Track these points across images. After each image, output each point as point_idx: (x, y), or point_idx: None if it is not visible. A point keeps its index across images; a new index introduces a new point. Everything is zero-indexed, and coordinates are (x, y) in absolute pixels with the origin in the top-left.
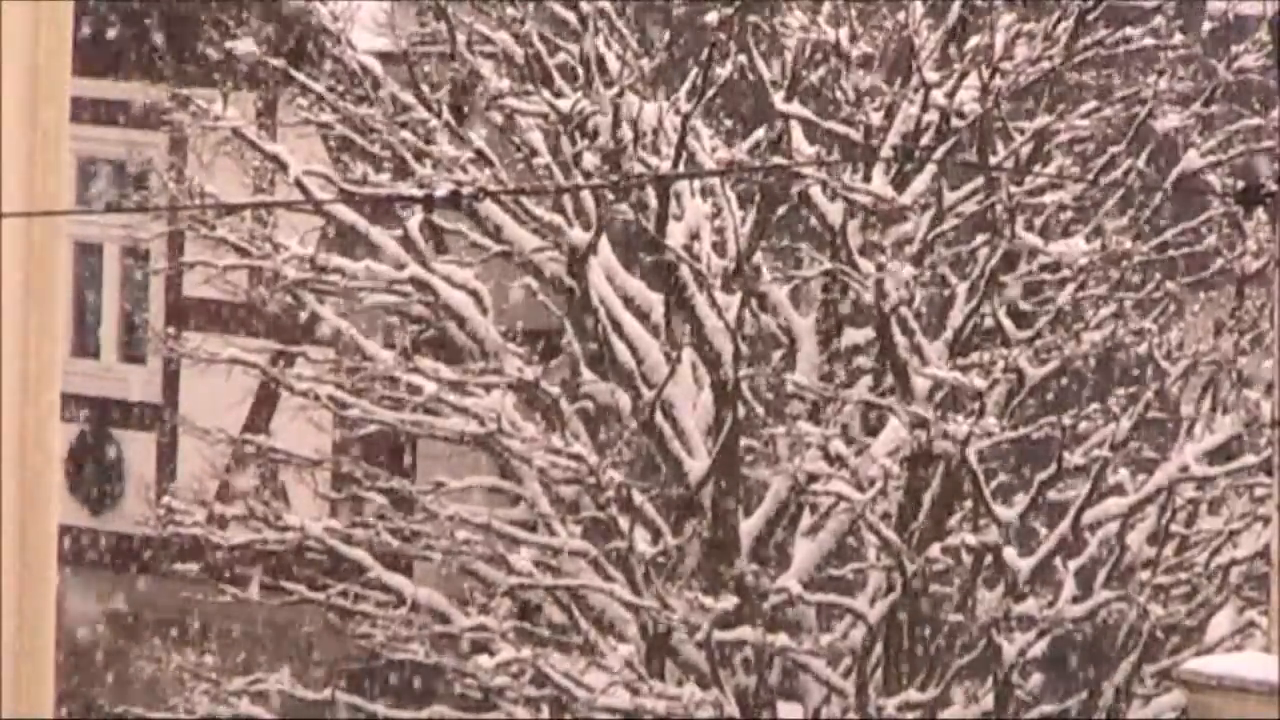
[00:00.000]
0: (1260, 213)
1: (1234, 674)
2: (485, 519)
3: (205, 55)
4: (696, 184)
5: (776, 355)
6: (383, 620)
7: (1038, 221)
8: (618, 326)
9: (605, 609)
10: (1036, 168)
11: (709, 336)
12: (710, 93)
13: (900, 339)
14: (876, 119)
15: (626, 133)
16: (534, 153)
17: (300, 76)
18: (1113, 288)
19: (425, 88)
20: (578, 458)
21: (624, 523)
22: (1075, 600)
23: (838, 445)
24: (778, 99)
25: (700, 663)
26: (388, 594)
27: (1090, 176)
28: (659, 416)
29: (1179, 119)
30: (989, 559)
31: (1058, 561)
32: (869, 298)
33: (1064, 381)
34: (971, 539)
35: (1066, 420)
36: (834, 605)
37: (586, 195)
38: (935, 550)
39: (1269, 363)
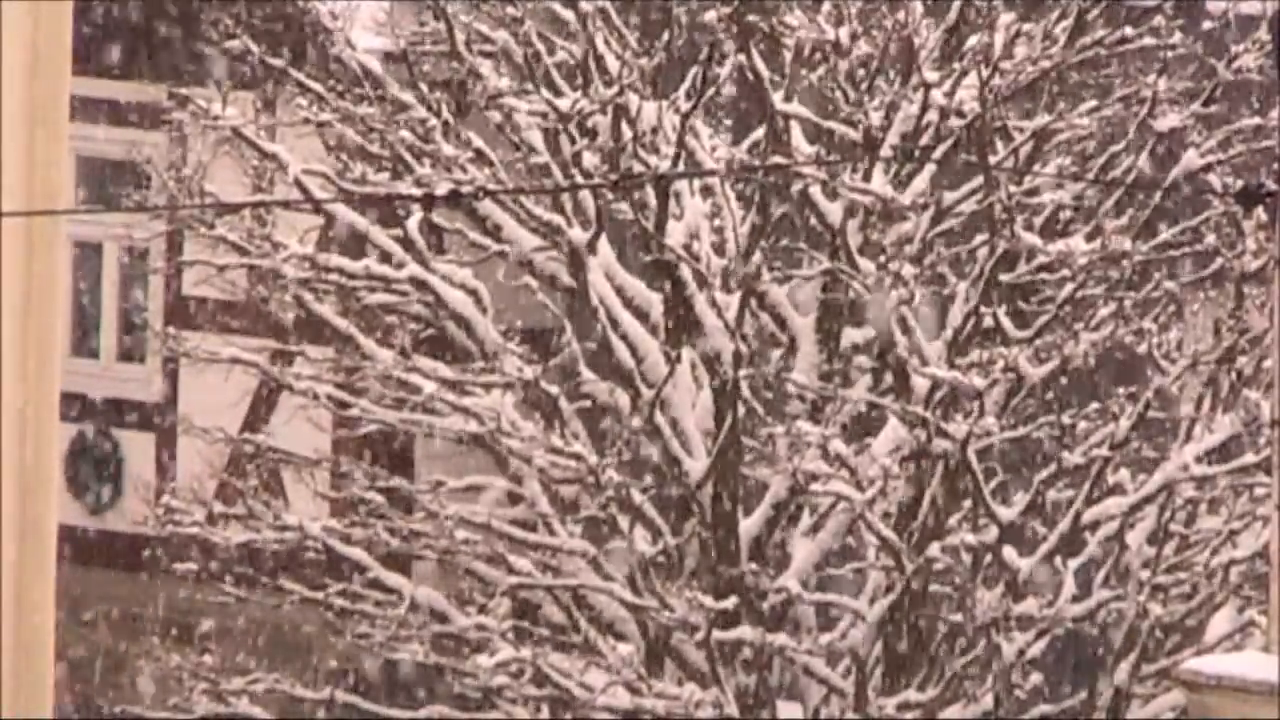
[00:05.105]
0: (1260, 212)
1: (1234, 674)
2: (485, 519)
3: (205, 54)
4: (696, 183)
5: (776, 355)
6: (382, 620)
7: (1037, 221)
8: (617, 326)
9: (605, 609)
10: (1036, 167)
11: (709, 336)
12: (710, 92)
13: (900, 338)
14: (876, 119)
15: (626, 132)
16: (533, 152)
17: (299, 76)
18: (1112, 288)
19: (424, 87)
20: (577, 457)
21: (624, 522)
22: (1075, 600)
23: (837, 445)
24: (777, 98)
25: (700, 663)
26: (387, 594)
27: (1090, 176)
28: (659, 416)
29: (1179, 119)
30: (989, 559)
31: (1057, 561)
32: (869, 297)
33: (1064, 381)
34: (971, 539)
35: (1066, 420)
36: (834, 605)
37: (586, 195)
38: (935, 550)
39: (1269, 362)
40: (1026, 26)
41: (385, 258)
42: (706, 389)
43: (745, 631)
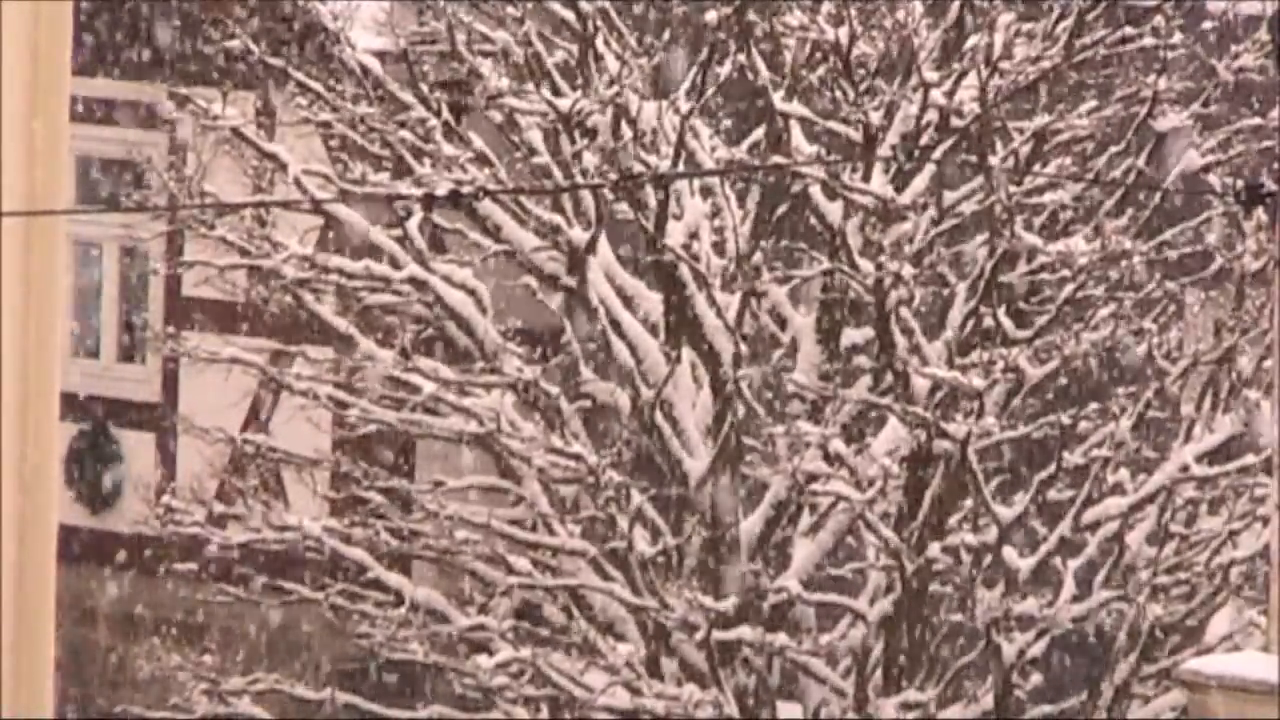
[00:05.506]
0: (1260, 212)
1: (1233, 674)
2: (485, 519)
3: (205, 54)
4: (696, 183)
5: (776, 355)
6: (382, 620)
7: (1037, 221)
8: (617, 326)
9: (605, 609)
10: (1036, 168)
11: (709, 336)
12: (710, 92)
13: (900, 339)
14: (876, 119)
15: (626, 132)
16: (533, 152)
17: (299, 76)
18: (1112, 288)
19: (424, 87)
20: (577, 457)
21: (623, 522)
22: (1075, 600)
23: (837, 445)
24: (777, 98)
25: (700, 663)
26: (387, 594)
27: (1090, 176)
28: (659, 416)
29: (1179, 119)
30: (989, 559)
31: (1057, 561)
32: (869, 298)
33: (1064, 381)
34: (971, 539)
35: (1066, 420)
36: (834, 605)
37: (586, 195)
38: (935, 550)
39: (1269, 362)
40: (1026, 26)
41: (385, 257)
42: (706, 389)
43: (745, 631)
